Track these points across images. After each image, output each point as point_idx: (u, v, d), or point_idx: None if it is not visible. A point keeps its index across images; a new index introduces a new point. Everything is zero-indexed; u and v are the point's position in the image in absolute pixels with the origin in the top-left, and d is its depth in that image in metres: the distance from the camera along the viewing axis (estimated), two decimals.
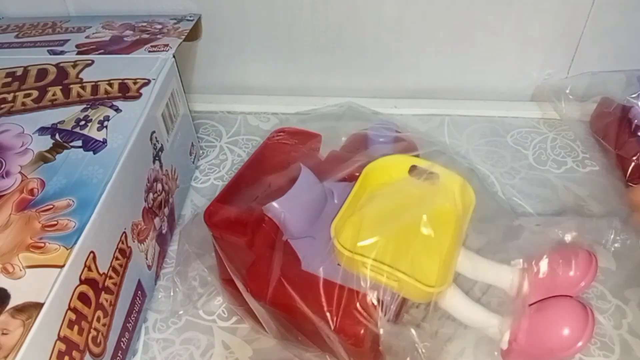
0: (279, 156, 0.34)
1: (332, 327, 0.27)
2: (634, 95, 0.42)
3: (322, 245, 0.29)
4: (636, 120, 0.42)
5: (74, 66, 0.40)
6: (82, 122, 0.35)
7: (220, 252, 0.31)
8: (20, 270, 0.26)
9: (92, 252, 0.28)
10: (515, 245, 0.31)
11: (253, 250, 0.30)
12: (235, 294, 0.32)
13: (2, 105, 0.36)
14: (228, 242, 0.31)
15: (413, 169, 0.33)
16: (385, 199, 0.31)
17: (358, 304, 0.27)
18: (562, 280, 0.28)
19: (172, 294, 0.36)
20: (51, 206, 0.29)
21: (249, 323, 0.34)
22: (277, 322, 0.30)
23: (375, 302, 0.27)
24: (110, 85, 0.38)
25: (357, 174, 0.32)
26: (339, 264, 0.29)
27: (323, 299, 0.28)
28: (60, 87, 0.38)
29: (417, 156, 0.34)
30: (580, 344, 0.26)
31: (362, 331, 0.27)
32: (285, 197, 0.30)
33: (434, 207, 0.31)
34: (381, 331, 0.27)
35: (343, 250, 0.28)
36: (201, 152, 0.49)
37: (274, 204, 0.29)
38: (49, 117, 0.35)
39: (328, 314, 0.27)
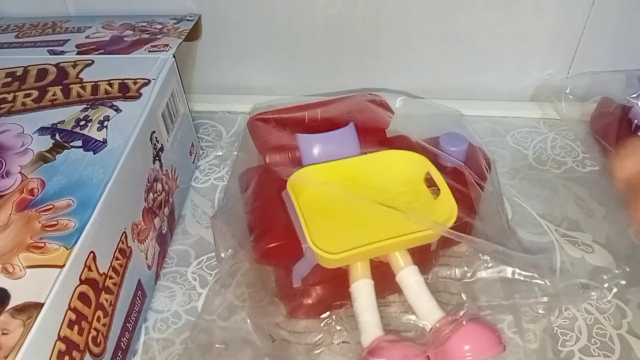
0: (343, 110, 0.39)
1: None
2: (634, 95, 0.42)
3: None
4: (636, 120, 0.42)
5: (74, 66, 0.40)
6: (82, 122, 0.35)
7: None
8: (21, 270, 0.26)
9: (92, 252, 0.28)
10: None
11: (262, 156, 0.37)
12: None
13: (2, 105, 0.36)
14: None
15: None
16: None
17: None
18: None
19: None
20: (51, 206, 0.29)
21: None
22: None
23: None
24: (110, 85, 0.38)
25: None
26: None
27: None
28: (60, 87, 0.38)
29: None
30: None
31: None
32: (318, 135, 0.37)
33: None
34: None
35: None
36: (201, 152, 0.49)
37: (306, 135, 0.36)
38: (49, 117, 0.35)
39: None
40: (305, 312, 0.34)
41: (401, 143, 0.37)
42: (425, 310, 0.31)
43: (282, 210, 0.33)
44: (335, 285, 0.32)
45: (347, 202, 0.33)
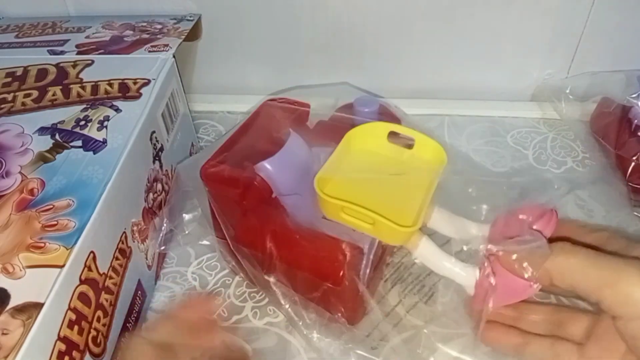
0: (269, 123, 0.36)
1: (314, 269, 0.30)
2: (634, 95, 0.42)
3: (308, 200, 0.31)
4: (636, 120, 0.41)
5: (74, 66, 0.40)
6: (82, 122, 0.35)
7: (214, 206, 0.33)
8: (21, 270, 0.26)
9: (92, 252, 0.28)
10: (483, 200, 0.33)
11: (244, 204, 0.32)
12: (227, 250, 0.35)
13: (2, 105, 0.36)
14: (222, 196, 0.33)
15: (392, 134, 0.35)
16: (365, 160, 0.34)
17: (339, 249, 0.29)
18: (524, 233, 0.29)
19: (162, 229, 0.37)
20: (51, 206, 0.29)
21: (241, 276, 0.37)
22: (265, 271, 0.33)
23: (355, 248, 0.30)
24: (110, 85, 0.38)
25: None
26: (323, 217, 0.31)
27: (307, 246, 0.30)
28: (60, 87, 0.38)
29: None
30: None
31: (340, 272, 0.29)
32: (275, 157, 0.32)
33: (409, 165, 0.34)
34: (361, 273, 0.30)
35: (323, 195, 0.30)
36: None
37: (265, 163, 0.31)
38: (49, 117, 0.35)
39: (310, 259, 0.30)
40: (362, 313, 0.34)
41: (328, 125, 0.37)
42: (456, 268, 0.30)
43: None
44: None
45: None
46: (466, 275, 0.30)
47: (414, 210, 0.30)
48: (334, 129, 0.35)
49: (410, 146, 0.34)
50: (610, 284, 0.24)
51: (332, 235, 0.30)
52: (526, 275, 0.27)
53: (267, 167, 0.31)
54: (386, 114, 0.39)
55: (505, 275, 0.28)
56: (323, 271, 0.30)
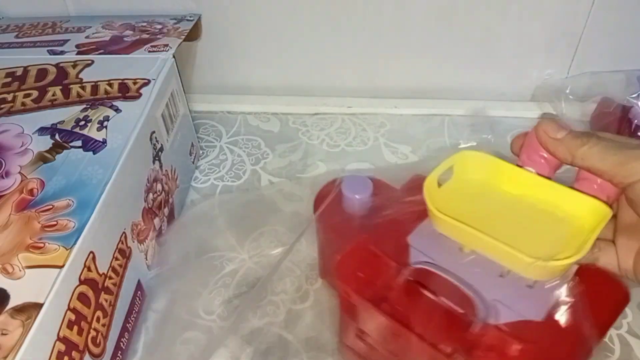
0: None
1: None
2: (634, 96, 0.42)
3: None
4: (636, 120, 0.41)
5: (74, 66, 0.40)
6: (82, 122, 0.35)
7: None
8: (20, 270, 0.26)
9: (91, 252, 0.28)
10: None
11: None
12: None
13: (2, 105, 0.36)
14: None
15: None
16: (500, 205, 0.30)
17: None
18: None
19: None
20: (51, 206, 0.29)
21: None
22: None
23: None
24: (110, 85, 0.38)
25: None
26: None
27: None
28: (60, 87, 0.38)
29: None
30: None
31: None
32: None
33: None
34: None
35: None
36: (201, 152, 0.49)
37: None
38: (49, 117, 0.35)
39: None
40: None
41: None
42: None
43: None
44: None
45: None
46: None
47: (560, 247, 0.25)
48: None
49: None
50: (623, 162, 0.26)
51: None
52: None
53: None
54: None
55: None
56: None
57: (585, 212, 0.28)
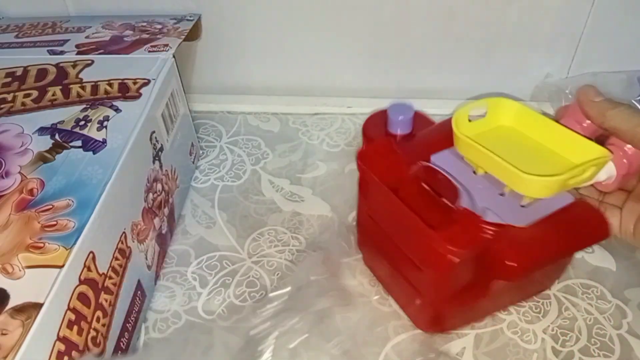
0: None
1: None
2: (638, 98, 0.42)
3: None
4: None
5: (74, 66, 0.40)
6: (82, 122, 0.35)
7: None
8: (20, 270, 0.26)
9: (91, 252, 0.28)
10: None
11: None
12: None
13: (2, 105, 0.36)
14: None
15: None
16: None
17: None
18: None
19: None
20: (51, 206, 0.29)
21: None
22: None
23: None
24: (110, 85, 0.38)
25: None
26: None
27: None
28: (60, 87, 0.38)
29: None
30: None
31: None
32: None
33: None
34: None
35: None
36: (201, 152, 0.49)
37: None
38: (49, 117, 0.35)
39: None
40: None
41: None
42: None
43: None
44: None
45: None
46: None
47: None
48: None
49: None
50: None
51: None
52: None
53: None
54: (421, 121, 0.38)
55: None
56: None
57: (591, 156, 0.30)
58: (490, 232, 0.29)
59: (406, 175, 0.33)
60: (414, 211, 0.30)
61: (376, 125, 0.37)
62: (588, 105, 0.31)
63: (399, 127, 0.36)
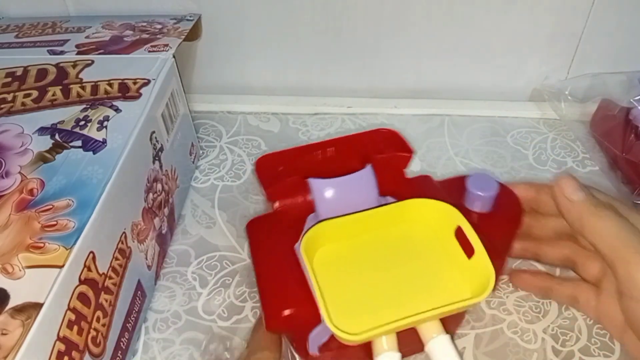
0: (357, 149, 0.34)
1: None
2: (637, 98, 0.42)
3: None
4: (636, 122, 0.41)
5: (74, 66, 0.40)
6: (82, 122, 0.35)
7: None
8: (20, 270, 0.26)
9: (91, 252, 0.28)
10: None
11: (271, 202, 0.32)
12: None
13: (2, 105, 0.36)
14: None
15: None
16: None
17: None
18: None
19: None
20: (51, 206, 0.29)
21: None
22: None
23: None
24: (110, 85, 0.38)
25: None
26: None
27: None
28: (60, 87, 0.38)
29: None
30: None
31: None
32: (333, 180, 0.31)
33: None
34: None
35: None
36: (201, 152, 0.49)
37: (319, 180, 0.31)
38: (49, 117, 0.35)
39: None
40: None
41: (424, 186, 0.34)
42: None
43: (296, 268, 0.29)
44: (357, 351, 0.28)
45: (369, 264, 0.30)
46: None
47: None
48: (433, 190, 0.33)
49: None
50: (626, 260, 0.24)
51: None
52: None
53: (318, 182, 0.31)
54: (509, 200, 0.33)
55: None
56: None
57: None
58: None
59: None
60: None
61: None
62: (565, 206, 0.26)
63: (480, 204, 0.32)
